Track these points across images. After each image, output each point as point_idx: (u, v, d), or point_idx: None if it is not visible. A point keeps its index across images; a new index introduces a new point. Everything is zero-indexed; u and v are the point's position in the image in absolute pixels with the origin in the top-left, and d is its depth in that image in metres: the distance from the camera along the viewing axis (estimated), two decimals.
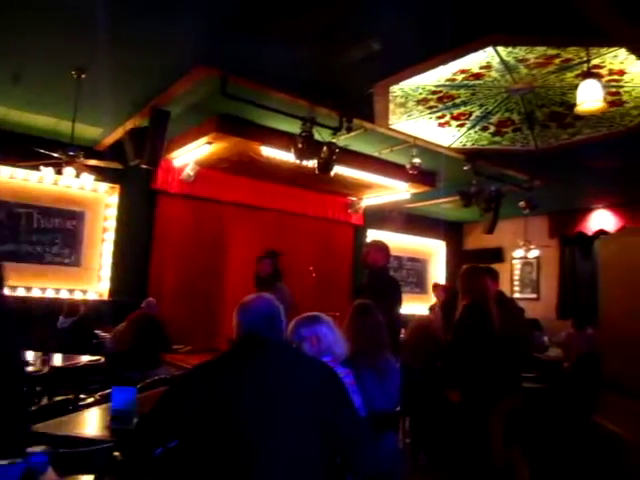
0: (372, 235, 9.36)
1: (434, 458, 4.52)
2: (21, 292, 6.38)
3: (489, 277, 4.35)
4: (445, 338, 4.85)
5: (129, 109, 5.42)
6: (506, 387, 3.78)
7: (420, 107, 5.14)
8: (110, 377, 4.56)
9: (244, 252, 7.89)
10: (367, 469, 1.98)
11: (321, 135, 5.31)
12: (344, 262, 9.26)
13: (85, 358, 4.90)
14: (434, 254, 11.16)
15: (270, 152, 6.22)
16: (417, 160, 6.06)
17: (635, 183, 7.49)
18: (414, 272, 10.73)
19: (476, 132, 5.79)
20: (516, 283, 10.37)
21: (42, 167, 5.46)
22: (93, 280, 6.99)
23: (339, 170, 6.21)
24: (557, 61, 4.14)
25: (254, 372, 1.82)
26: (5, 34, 4.09)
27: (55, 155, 5.11)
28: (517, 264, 10.37)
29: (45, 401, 4.09)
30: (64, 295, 6.66)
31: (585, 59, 3.98)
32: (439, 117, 5.41)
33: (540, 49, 3.93)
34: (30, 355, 4.77)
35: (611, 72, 4.26)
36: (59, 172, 5.36)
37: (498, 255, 10.27)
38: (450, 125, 5.62)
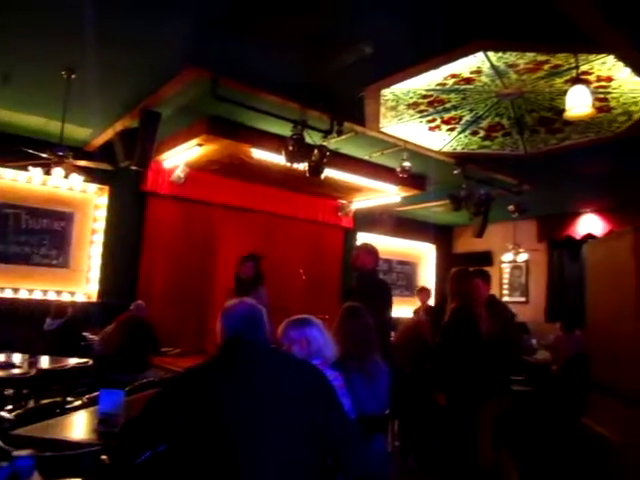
0: (362, 238, 9.36)
1: (423, 461, 4.53)
2: (8, 293, 6.32)
3: (481, 279, 4.38)
4: (433, 340, 4.88)
5: (119, 110, 5.40)
6: (494, 390, 3.80)
7: (411, 111, 5.16)
8: (98, 380, 4.53)
9: (234, 254, 7.84)
10: (357, 471, 1.99)
11: (312, 138, 5.32)
12: (334, 265, 9.26)
13: (73, 360, 4.86)
14: (424, 257, 11.20)
15: (261, 154, 6.21)
16: (407, 164, 6.08)
17: (622, 188, 7.58)
18: (404, 275, 10.76)
19: (466, 136, 5.83)
20: (505, 286, 10.43)
21: (31, 167, 5.42)
22: (81, 282, 6.94)
23: (330, 173, 6.22)
24: (546, 67, 4.17)
25: (243, 375, 1.81)
26: None
27: (44, 155, 5.08)
28: (506, 268, 10.43)
29: (32, 404, 4.06)
30: (52, 297, 6.61)
31: (574, 65, 4.02)
32: (430, 121, 5.44)
33: (530, 55, 3.96)
34: (17, 357, 4.73)
35: (599, 78, 4.30)
36: (48, 172, 5.33)
37: (487, 259, 10.32)
38: (440, 129, 5.65)
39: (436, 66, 4.15)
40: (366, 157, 6.80)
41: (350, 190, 8.06)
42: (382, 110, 5.12)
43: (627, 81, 4.31)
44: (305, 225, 8.83)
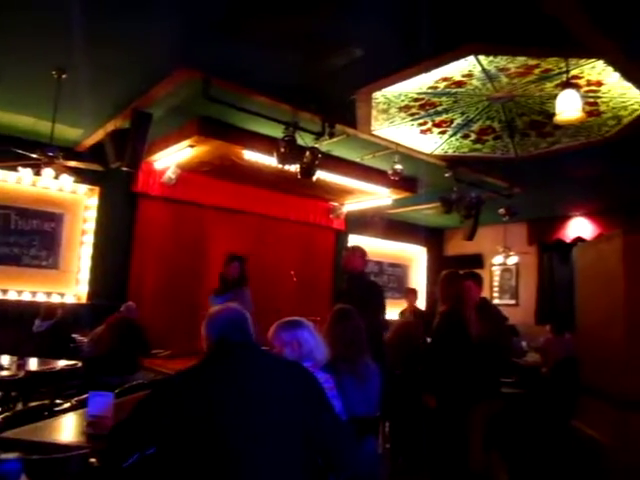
0: (353, 240, 9.38)
1: (413, 463, 4.54)
2: None
3: (473, 282, 4.39)
4: (423, 342, 4.90)
5: (110, 110, 5.37)
6: (484, 393, 3.82)
7: (402, 114, 5.18)
8: (87, 382, 4.50)
9: (225, 256, 7.85)
10: (348, 472, 2.00)
11: (304, 140, 5.32)
12: (325, 267, 9.26)
13: (62, 362, 4.82)
14: (415, 260, 11.23)
15: (252, 156, 6.20)
16: (399, 166, 6.10)
17: (611, 191, 7.64)
18: (395, 277, 10.78)
19: (457, 139, 5.85)
20: (495, 289, 10.49)
21: (20, 168, 5.37)
22: (71, 283, 6.89)
23: (321, 175, 6.22)
24: (537, 71, 4.20)
25: (233, 377, 1.81)
26: None
27: (34, 156, 5.04)
28: (496, 270, 10.48)
29: (20, 406, 4.02)
30: (41, 298, 6.55)
31: (564, 70, 4.05)
32: (421, 124, 5.46)
33: (521, 59, 3.99)
34: (5, 359, 4.68)
35: (589, 83, 4.34)
36: (38, 173, 5.28)
37: (478, 261, 10.36)
38: (432, 132, 5.67)
39: (427, 69, 4.16)
40: (358, 159, 6.81)
41: (342, 192, 8.07)
42: (374, 113, 5.13)
43: (616, 86, 4.35)
44: (296, 227, 8.82)
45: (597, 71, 4.14)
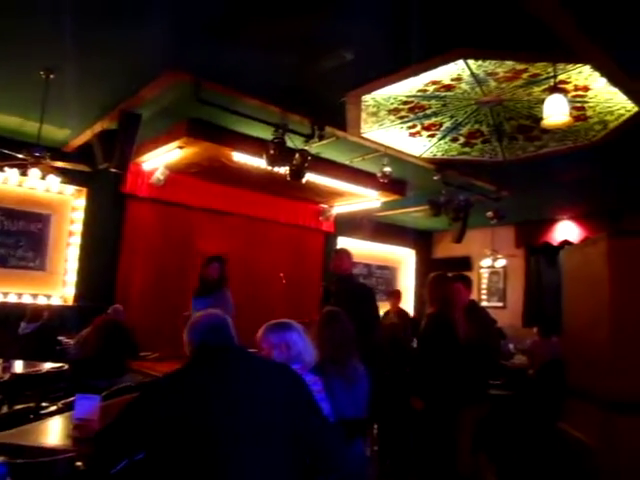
0: (342, 243, 9.40)
1: (401, 465, 4.55)
2: None
3: (462, 284, 4.42)
4: (408, 343, 4.92)
5: (98, 111, 5.33)
6: (472, 395, 3.83)
7: (392, 117, 5.20)
8: (74, 385, 4.46)
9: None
10: (337, 472, 2.01)
11: (293, 142, 5.32)
12: (314, 269, 9.26)
13: (48, 365, 4.77)
14: (403, 262, 11.26)
15: (241, 158, 6.19)
16: (388, 169, 6.12)
17: (597, 195, 7.72)
18: (383, 280, 10.80)
19: (446, 143, 5.88)
20: (483, 291, 10.54)
21: (7, 168, 5.32)
22: (58, 285, 6.83)
23: (311, 177, 6.22)
24: (525, 76, 4.24)
25: (219, 380, 1.81)
26: None
27: (20, 156, 4.99)
28: (484, 273, 10.54)
29: (5, 410, 3.97)
30: (27, 300, 6.49)
31: (552, 74, 4.09)
32: (410, 127, 5.48)
33: (509, 63, 4.02)
34: None
35: (576, 88, 4.38)
36: (24, 173, 5.24)
37: (466, 264, 10.42)
38: (421, 135, 5.70)
39: (417, 73, 4.19)
40: (347, 162, 6.82)
41: (331, 195, 8.08)
42: (363, 116, 5.15)
43: (603, 91, 4.40)
44: (286, 229, 8.81)
45: (584, 76, 4.18)
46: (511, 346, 7.72)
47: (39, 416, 2.93)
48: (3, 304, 6.29)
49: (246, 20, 3.60)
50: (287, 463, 1.79)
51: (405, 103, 4.88)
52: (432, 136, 5.71)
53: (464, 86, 4.48)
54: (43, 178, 5.44)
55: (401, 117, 5.21)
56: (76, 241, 6.93)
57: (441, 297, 3.98)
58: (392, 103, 4.88)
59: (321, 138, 5.35)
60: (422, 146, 6.00)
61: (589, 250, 3.53)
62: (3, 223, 6.44)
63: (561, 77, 4.15)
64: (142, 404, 1.82)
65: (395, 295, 8.05)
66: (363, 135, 5.65)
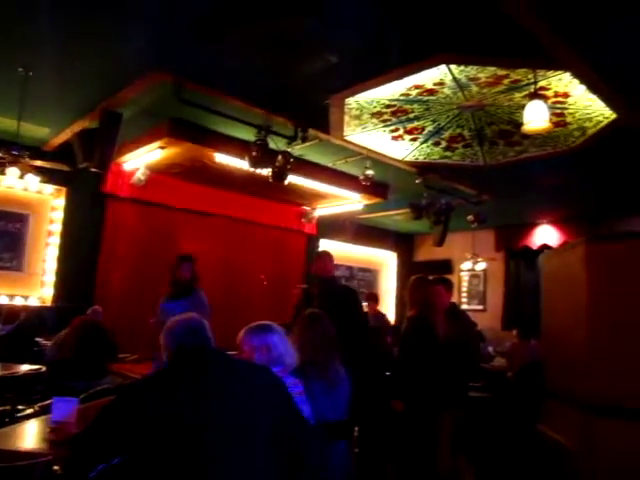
0: (324, 245, 9.41)
1: (381, 467, 4.55)
2: None
3: (443, 287, 4.45)
4: (388, 347, 4.94)
5: (79, 110, 5.27)
6: (452, 398, 3.86)
7: (375, 120, 5.22)
8: (51, 387, 4.39)
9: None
10: (318, 473, 2.01)
11: (276, 144, 5.31)
12: (296, 271, 9.25)
13: (25, 367, 4.70)
14: (385, 265, 11.31)
15: (224, 159, 6.17)
16: (370, 172, 6.15)
17: (576, 200, 7.84)
18: (365, 282, 10.83)
19: (428, 146, 5.93)
20: (464, 294, 10.63)
21: None
22: (36, 285, 6.72)
23: (293, 179, 6.22)
24: (506, 81, 4.29)
25: (198, 383, 1.81)
26: None
27: None
28: (465, 276, 10.63)
29: None
30: (3, 301, 6.37)
31: (532, 81, 4.14)
32: (393, 130, 5.51)
33: (491, 69, 4.07)
34: None
35: (556, 94, 4.45)
36: (2, 172, 5.14)
37: (447, 267, 10.50)
38: (403, 139, 5.73)
39: (400, 77, 4.21)
40: (330, 164, 6.84)
41: (313, 197, 8.09)
42: (346, 118, 5.16)
43: (582, 98, 4.47)
44: (268, 231, 8.80)
45: (564, 83, 4.25)
46: (490, 349, 7.79)
47: (15, 419, 2.88)
48: None
49: (230, 21, 3.59)
50: (267, 465, 1.79)
51: (388, 107, 4.91)
52: (414, 140, 5.75)
53: (446, 91, 4.51)
54: (21, 177, 5.37)
55: (384, 120, 5.24)
56: (55, 241, 6.83)
57: (422, 300, 4.01)
58: (375, 106, 4.90)
59: (304, 140, 5.35)
60: (404, 150, 6.04)
61: (568, 254, 3.58)
62: None
63: (541, 83, 4.21)
64: (120, 407, 1.80)
65: (372, 298, 8.06)
66: (346, 138, 5.66)
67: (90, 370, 4.90)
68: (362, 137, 5.68)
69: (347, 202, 8.09)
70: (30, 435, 2.63)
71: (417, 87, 4.45)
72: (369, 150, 6.01)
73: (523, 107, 4.12)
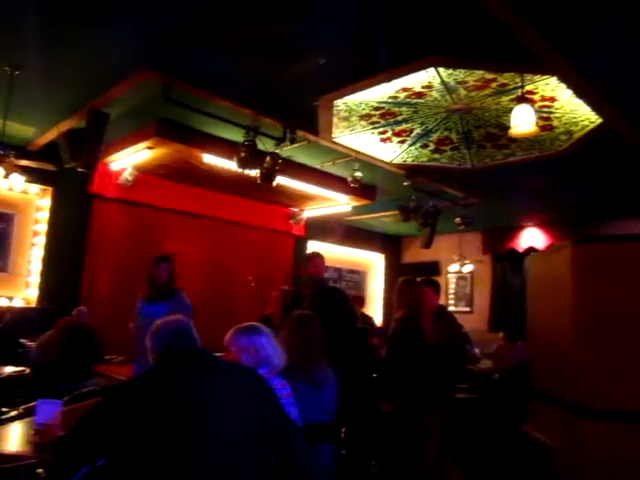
0: (313, 246, 9.40)
1: (368, 469, 4.56)
2: None
3: (431, 289, 4.47)
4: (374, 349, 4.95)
5: (65, 109, 5.22)
6: (439, 399, 3.87)
7: (363, 122, 5.24)
8: (36, 389, 4.34)
9: (183, 261, 7.72)
10: (303, 474, 2.01)
11: (264, 145, 5.30)
12: (284, 272, 9.20)
13: (8, 369, 4.65)
14: (373, 266, 11.33)
15: (212, 160, 6.15)
16: (359, 174, 6.16)
17: (562, 203, 7.91)
18: (353, 284, 10.85)
19: (416, 149, 5.95)
20: (451, 296, 10.68)
21: None
22: (21, 286, 6.65)
23: (281, 181, 6.21)
24: (494, 85, 4.32)
25: (183, 384, 1.81)
26: None
27: None
28: (452, 278, 10.68)
29: None
30: None
31: (520, 85, 4.18)
32: (381, 133, 5.53)
33: (478, 73, 4.10)
34: None
35: (543, 98, 4.49)
36: None
37: (434, 269, 10.54)
38: (392, 141, 5.75)
39: (388, 79, 4.23)
40: (318, 166, 6.84)
41: (302, 198, 8.08)
42: (335, 120, 5.17)
43: (569, 102, 4.52)
44: (256, 232, 8.77)
45: (551, 87, 4.29)
46: (477, 351, 7.82)
47: None
48: None
49: (219, 22, 3.58)
50: (254, 467, 1.79)
51: (376, 109, 4.92)
52: (402, 142, 5.77)
53: (435, 94, 4.54)
54: (6, 177, 5.29)
55: (372, 123, 5.26)
56: (41, 242, 6.76)
57: (410, 301, 4.02)
58: (364, 109, 4.91)
59: (292, 141, 5.35)
60: (393, 152, 6.06)
61: (554, 257, 3.61)
62: None
63: (529, 87, 4.25)
64: (106, 409, 1.79)
65: (357, 301, 8.05)
66: (334, 140, 5.67)
67: (75, 372, 4.85)
68: (351, 139, 5.69)
69: (335, 204, 8.09)
70: (14, 438, 2.60)
71: (405, 90, 4.46)
72: (357, 152, 6.02)
73: (510, 111, 4.17)
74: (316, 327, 3.09)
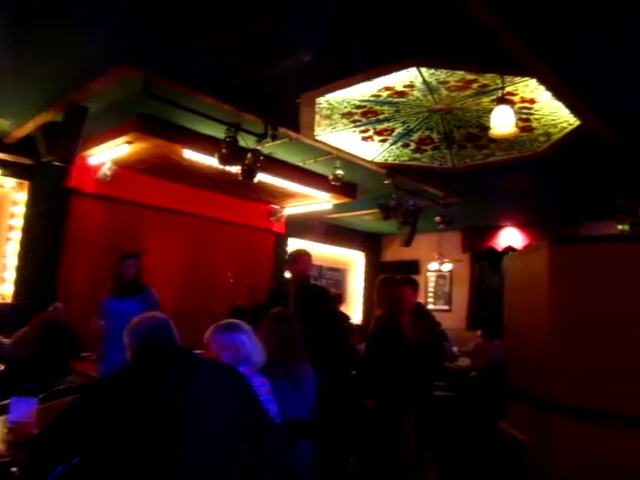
0: (293, 244, 9.39)
1: (346, 466, 4.58)
2: None
3: (409, 287, 4.50)
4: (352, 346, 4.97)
5: (43, 102, 5.12)
6: (417, 397, 3.91)
7: (345, 120, 5.24)
8: (10, 387, 4.26)
9: (162, 257, 7.67)
10: (280, 472, 2.01)
11: (246, 142, 5.28)
12: (264, 270, 9.21)
13: None
14: (353, 264, 11.36)
15: (193, 156, 6.10)
16: (340, 172, 6.17)
17: (540, 204, 8.02)
18: (333, 282, 10.86)
19: (398, 148, 5.98)
20: (430, 295, 10.76)
21: None
22: None
23: (263, 178, 6.19)
24: (475, 86, 4.36)
25: (162, 382, 1.79)
26: None
27: None
28: (432, 276, 10.76)
29: None
30: None
31: (500, 86, 4.23)
32: (363, 131, 5.54)
33: (460, 73, 4.13)
34: None
35: (523, 100, 4.54)
36: None
37: (414, 267, 10.61)
38: (373, 140, 5.77)
39: (371, 78, 4.23)
40: (300, 163, 6.83)
41: (283, 195, 8.07)
42: (317, 118, 5.16)
43: (548, 104, 4.58)
44: (236, 229, 8.73)
45: (530, 89, 4.34)
46: (455, 349, 7.90)
47: None
48: None
49: (202, 17, 3.55)
50: (231, 463, 1.78)
51: (358, 107, 4.93)
52: (384, 141, 5.79)
53: (416, 93, 4.56)
54: None
55: (354, 121, 5.26)
56: (16, 237, 6.63)
57: (389, 299, 4.05)
58: (346, 107, 4.92)
59: (274, 138, 5.34)
60: (374, 150, 6.07)
61: (531, 256, 3.65)
62: None
63: (509, 89, 4.29)
64: (82, 407, 1.77)
65: (336, 299, 8.06)
66: (316, 137, 5.67)
67: (51, 369, 4.79)
68: (332, 137, 5.69)
69: (316, 201, 8.09)
70: None
71: (387, 89, 4.48)
72: (339, 150, 6.03)
73: (491, 111, 4.21)
74: (295, 324, 3.09)
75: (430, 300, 10.66)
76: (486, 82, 4.26)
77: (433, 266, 10.16)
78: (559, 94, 4.20)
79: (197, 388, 1.82)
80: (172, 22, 3.60)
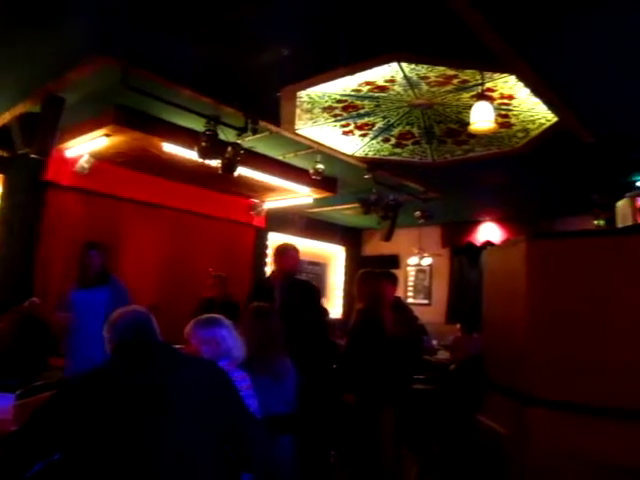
0: (273, 238, 9.38)
1: (327, 461, 4.60)
2: None
3: (389, 281, 4.53)
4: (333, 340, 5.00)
5: (18, 93, 5.02)
6: (396, 390, 3.94)
7: (326, 114, 5.24)
8: None
9: (141, 251, 7.60)
10: (261, 469, 2.02)
11: (226, 135, 5.24)
12: (244, 264, 9.19)
13: None
14: (333, 258, 11.38)
15: (172, 149, 6.04)
16: (320, 166, 6.17)
17: (518, 199, 8.12)
18: (314, 276, 10.86)
19: (378, 142, 5.99)
20: (410, 289, 10.84)
21: None
22: None
23: (243, 171, 6.16)
24: (455, 81, 4.39)
25: (141, 377, 1.78)
26: None
27: None
28: (411, 271, 10.84)
29: None
30: None
31: (480, 82, 4.26)
32: (343, 125, 5.54)
33: (440, 69, 4.15)
34: None
35: (502, 96, 4.58)
36: None
37: (394, 262, 10.68)
38: (354, 134, 5.77)
39: (351, 73, 4.23)
40: (280, 157, 6.81)
41: (263, 189, 8.04)
42: (298, 112, 5.15)
43: (526, 100, 4.63)
44: (216, 223, 8.68)
45: (509, 85, 4.38)
46: (435, 342, 7.98)
47: None
48: None
49: (180, 8, 3.51)
50: (212, 458, 1.78)
51: (339, 102, 4.93)
52: (364, 135, 5.80)
53: (397, 88, 4.57)
54: None
55: (335, 115, 5.26)
56: None
57: (370, 293, 4.07)
58: (326, 101, 4.91)
59: (254, 132, 5.30)
60: (355, 145, 6.08)
61: (509, 251, 3.70)
62: None
63: (488, 85, 4.33)
64: (60, 403, 1.74)
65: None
66: (297, 131, 5.65)
67: (27, 365, 4.72)
68: (313, 131, 5.68)
69: (296, 195, 8.07)
70: None
71: (368, 84, 4.48)
72: (319, 144, 6.02)
73: (470, 107, 4.24)
74: (276, 319, 3.09)
75: (410, 294, 10.74)
76: (466, 78, 4.29)
77: (413, 260, 10.23)
78: (537, 91, 4.24)
79: (177, 383, 1.81)
80: (150, 13, 3.55)
